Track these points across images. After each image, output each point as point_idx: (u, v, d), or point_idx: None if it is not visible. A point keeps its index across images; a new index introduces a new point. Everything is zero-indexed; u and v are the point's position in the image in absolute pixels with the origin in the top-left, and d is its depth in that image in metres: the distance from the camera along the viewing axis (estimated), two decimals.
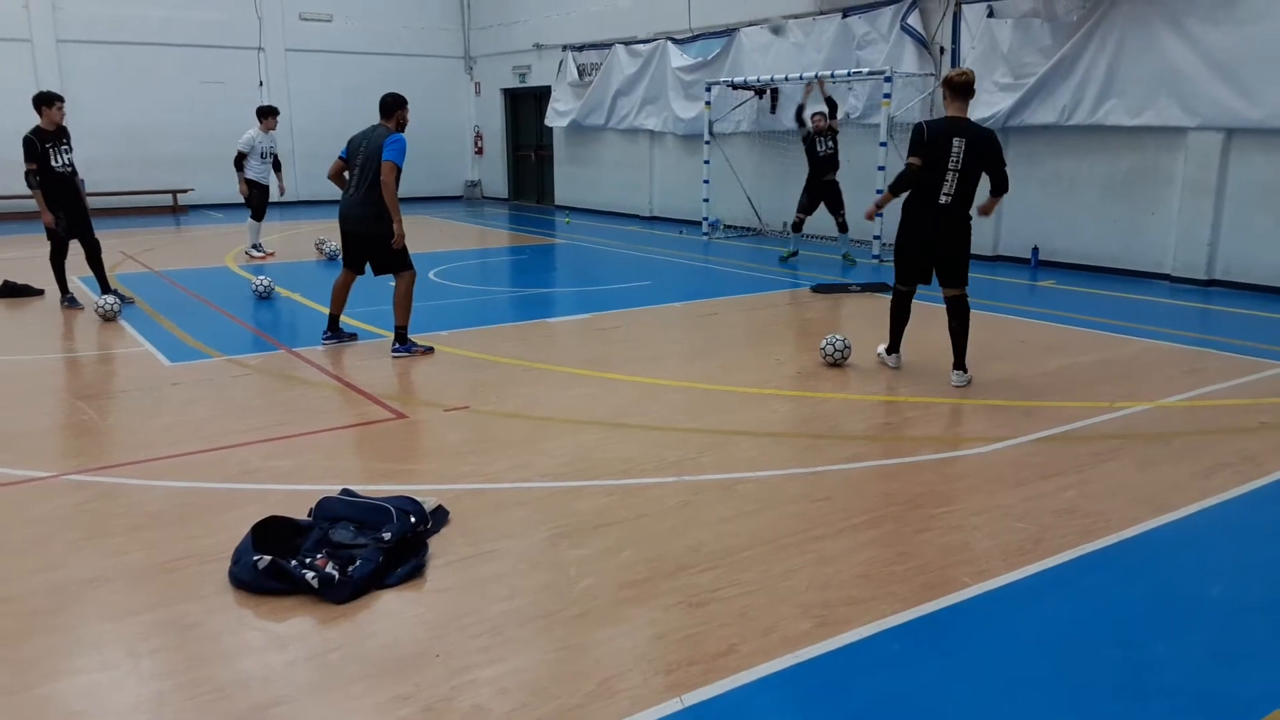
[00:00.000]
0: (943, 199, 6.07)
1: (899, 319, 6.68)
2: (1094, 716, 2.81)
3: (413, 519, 3.89)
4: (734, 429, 5.50)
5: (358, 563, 3.59)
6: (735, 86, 14.65)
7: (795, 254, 12.35)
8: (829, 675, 3.03)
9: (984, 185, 6.29)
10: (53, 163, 8.74)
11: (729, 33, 15.43)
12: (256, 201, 12.72)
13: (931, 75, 12.56)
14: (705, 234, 15.10)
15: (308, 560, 3.60)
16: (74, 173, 8.98)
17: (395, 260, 7.23)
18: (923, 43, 12.63)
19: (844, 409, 5.86)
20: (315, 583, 3.47)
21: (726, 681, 2.95)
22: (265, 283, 9.57)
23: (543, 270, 12.83)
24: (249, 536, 3.72)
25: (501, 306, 9.98)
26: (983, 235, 12.33)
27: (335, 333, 7.56)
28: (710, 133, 15.08)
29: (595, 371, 6.83)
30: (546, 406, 5.94)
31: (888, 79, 12.07)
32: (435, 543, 3.92)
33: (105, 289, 9.00)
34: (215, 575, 3.64)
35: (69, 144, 8.92)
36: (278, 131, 13.38)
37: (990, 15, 11.74)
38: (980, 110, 11.79)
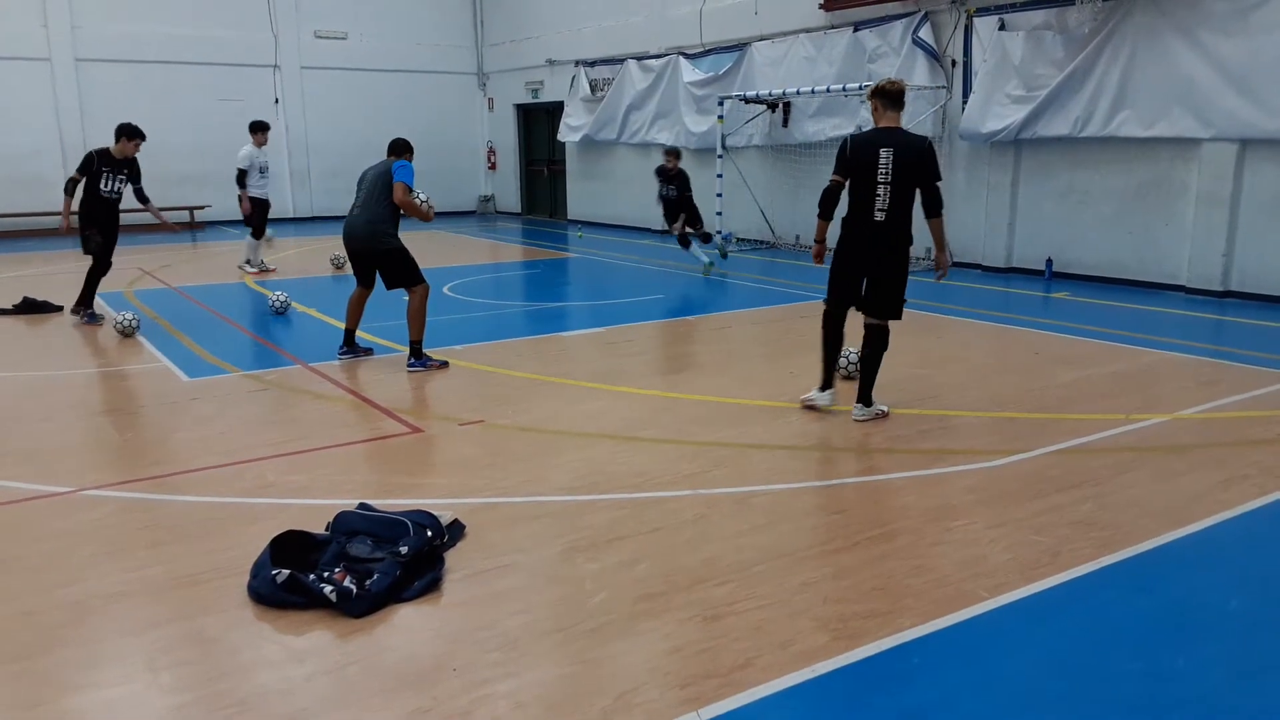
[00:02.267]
0: (877, 215, 5.58)
1: (830, 346, 5.98)
2: None
3: (429, 533, 3.91)
4: (748, 442, 5.51)
5: (375, 576, 3.60)
6: (747, 100, 14.71)
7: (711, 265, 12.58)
8: (846, 689, 3.03)
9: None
10: (101, 185, 9.17)
11: (740, 47, 15.49)
12: (258, 218, 12.73)
13: (944, 88, 12.58)
14: (718, 248, 15.11)
15: (326, 574, 3.61)
16: (118, 200, 9.34)
17: (405, 275, 7.32)
18: (934, 56, 12.65)
19: (859, 422, 5.85)
20: (333, 596, 3.49)
21: (743, 695, 2.95)
22: (282, 298, 9.63)
23: (556, 284, 12.87)
24: (267, 551, 3.75)
25: (515, 321, 10.01)
26: (996, 247, 12.37)
27: (351, 347, 7.61)
28: (723, 146, 15.13)
29: (609, 385, 6.85)
30: (561, 420, 5.96)
31: None
32: (451, 556, 3.94)
33: (81, 303, 9.34)
34: (234, 589, 3.67)
35: (128, 175, 9.35)
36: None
37: (1002, 28, 11.75)
38: (992, 123, 11.81)
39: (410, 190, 7.17)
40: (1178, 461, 5.11)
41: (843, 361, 6.80)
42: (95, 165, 9.09)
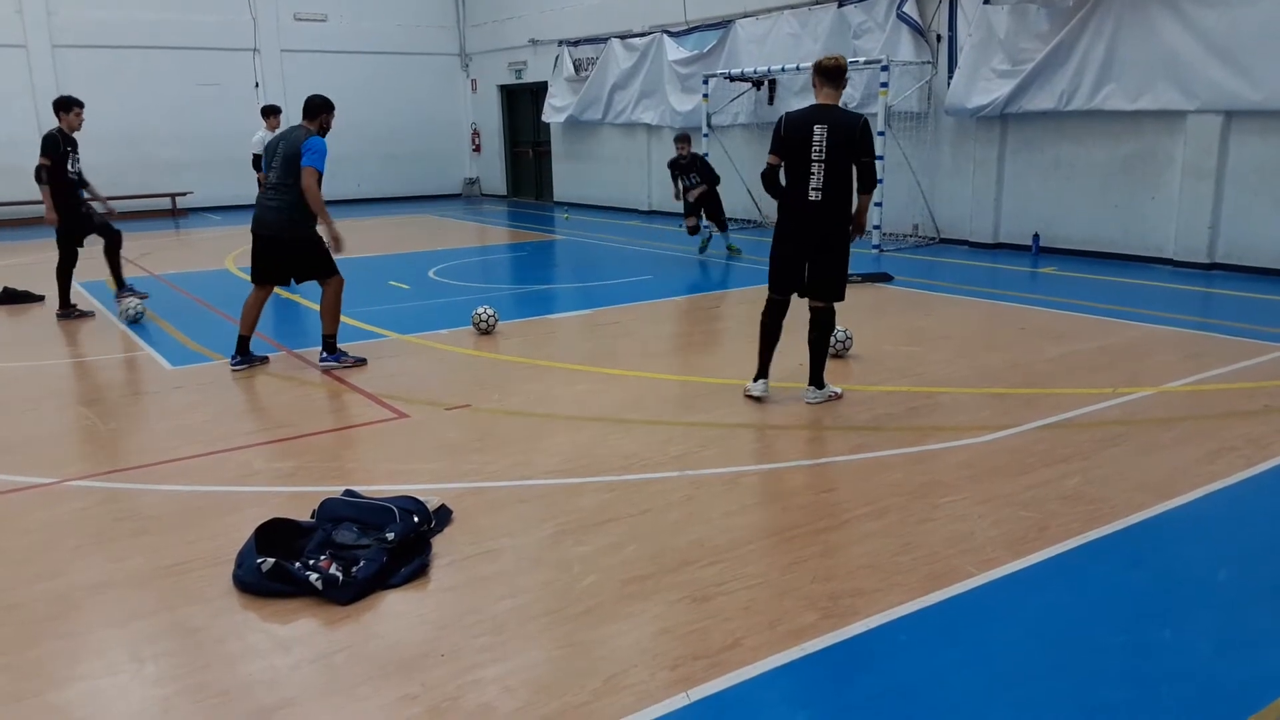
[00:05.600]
0: (812, 194, 5.43)
1: (768, 336, 5.83)
2: (1100, 703, 2.80)
3: (416, 518, 3.88)
4: (737, 422, 5.49)
5: (361, 563, 3.58)
6: (732, 78, 14.62)
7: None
8: (836, 667, 3.02)
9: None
10: (69, 168, 8.59)
11: (725, 24, 15.39)
12: None
13: (929, 63, 12.53)
14: (706, 227, 15.05)
15: (311, 562, 3.59)
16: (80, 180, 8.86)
17: (318, 266, 6.79)
18: (919, 31, 12.59)
19: (847, 400, 5.84)
20: (319, 584, 3.47)
21: (733, 675, 2.94)
22: (136, 306, 8.66)
23: (542, 267, 12.81)
24: (252, 539, 3.72)
25: (502, 303, 9.94)
26: (983, 223, 12.35)
27: (246, 356, 6.84)
28: (708, 125, 15.05)
29: (596, 367, 6.82)
30: (548, 403, 5.93)
31: (884, 68, 12.04)
32: (438, 542, 3.92)
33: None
34: (219, 579, 3.64)
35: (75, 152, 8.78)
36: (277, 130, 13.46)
37: (986, 2, 11.68)
38: (978, 98, 11.77)
39: (319, 175, 6.48)
40: (1165, 434, 5.12)
41: (831, 341, 6.80)
42: (61, 146, 8.42)
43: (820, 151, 5.41)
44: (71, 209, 8.77)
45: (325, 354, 6.84)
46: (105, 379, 7.01)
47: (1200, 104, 10.05)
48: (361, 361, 6.89)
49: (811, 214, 5.52)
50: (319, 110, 6.74)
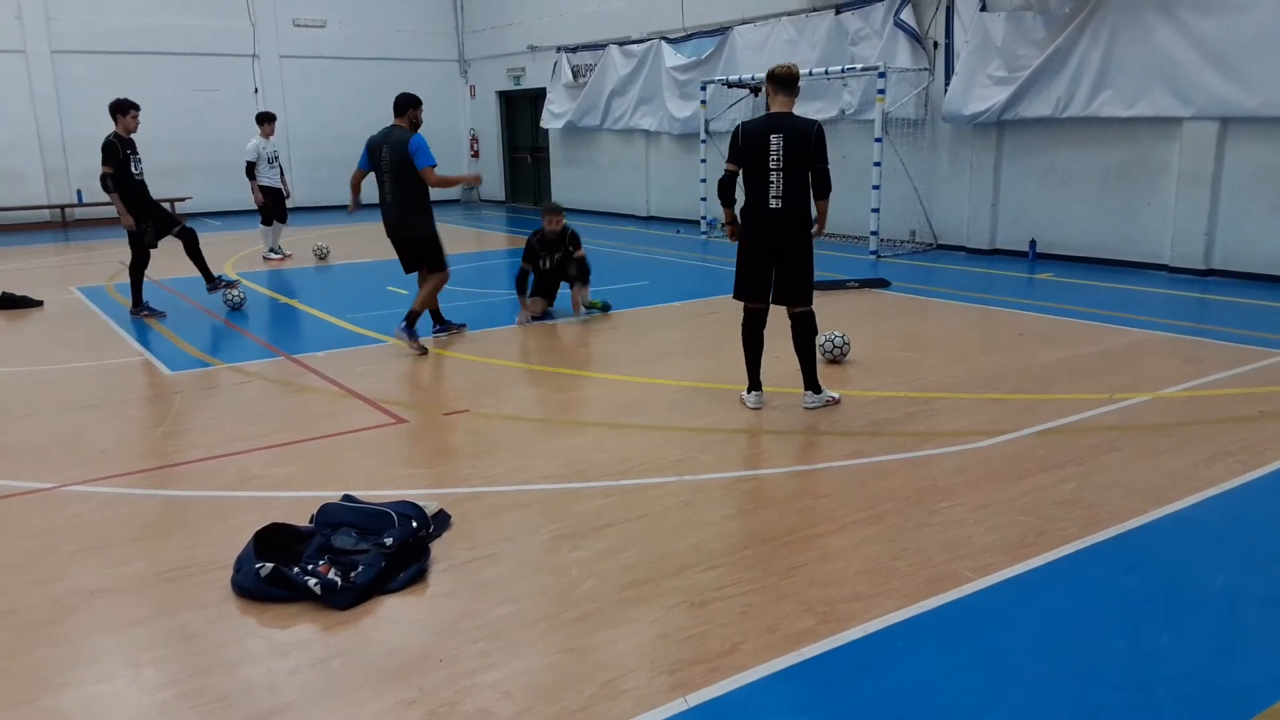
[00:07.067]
0: (773, 202, 5.51)
1: (752, 347, 5.87)
2: (1098, 707, 2.81)
3: (414, 524, 3.89)
4: (734, 427, 5.50)
5: (360, 569, 3.58)
6: (730, 85, 14.65)
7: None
8: (833, 672, 3.03)
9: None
10: (132, 170, 8.77)
11: (722, 31, 15.43)
12: (271, 207, 12.98)
13: (926, 70, 12.56)
14: (703, 233, 15.09)
15: (310, 567, 3.59)
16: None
17: (432, 259, 7.48)
18: (916, 38, 12.62)
19: (844, 405, 5.85)
20: (318, 589, 3.47)
21: (730, 680, 2.95)
22: (238, 295, 9.32)
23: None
24: (251, 544, 3.72)
25: (499, 309, 9.96)
26: (980, 229, 12.38)
27: (443, 325, 7.96)
28: (706, 131, 15.08)
29: (594, 372, 6.83)
30: (546, 408, 5.94)
31: (881, 74, 12.07)
32: (437, 547, 3.92)
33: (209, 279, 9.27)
34: (217, 584, 3.64)
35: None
36: (275, 136, 13.53)
37: (983, 9, 11.74)
38: (975, 104, 11.80)
39: (435, 168, 7.14)
40: (1161, 440, 5.13)
41: (828, 346, 6.82)
42: (121, 151, 8.63)
43: (778, 160, 5.49)
44: (145, 210, 8.93)
45: (405, 325, 7.32)
46: (103, 384, 7.00)
47: (1196, 111, 10.08)
48: (424, 352, 7.31)
49: (773, 221, 5.60)
50: (406, 106, 7.24)
